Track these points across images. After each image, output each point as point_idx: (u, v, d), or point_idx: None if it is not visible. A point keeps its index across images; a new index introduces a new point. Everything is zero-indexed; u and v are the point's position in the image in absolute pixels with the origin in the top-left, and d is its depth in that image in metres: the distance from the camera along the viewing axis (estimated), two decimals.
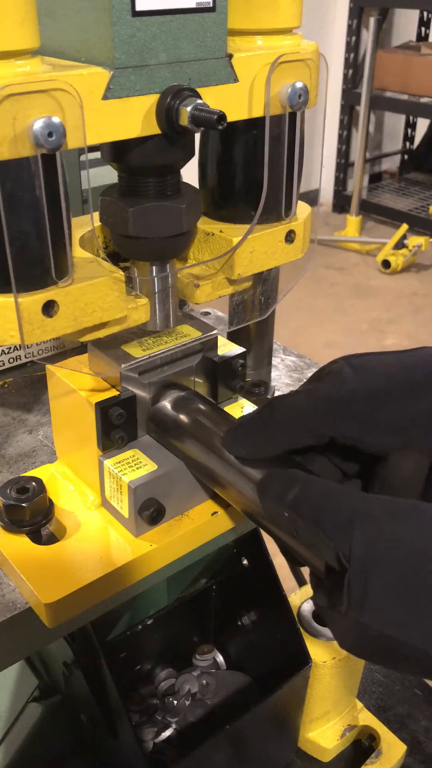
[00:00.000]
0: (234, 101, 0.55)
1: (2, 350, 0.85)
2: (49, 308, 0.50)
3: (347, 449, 0.50)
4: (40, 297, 0.49)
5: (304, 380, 0.89)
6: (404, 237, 3.70)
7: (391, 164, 4.97)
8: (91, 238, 0.61)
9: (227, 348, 0.67)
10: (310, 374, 0.90)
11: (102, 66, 0.48)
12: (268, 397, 0.79)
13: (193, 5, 0.50)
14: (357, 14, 4.05)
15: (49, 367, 0.64)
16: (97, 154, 0.57)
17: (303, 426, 0.49)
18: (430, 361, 0.48)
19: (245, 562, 0.89)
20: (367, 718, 0.99)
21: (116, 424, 0.60)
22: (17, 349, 0.86)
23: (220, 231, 0.63)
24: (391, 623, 0.39)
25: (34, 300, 0.49)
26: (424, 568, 0.38)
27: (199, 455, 0.57)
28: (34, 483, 0.61)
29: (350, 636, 0.42)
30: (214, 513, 0.62)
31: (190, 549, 0.62)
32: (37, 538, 0.60)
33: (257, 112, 0.56)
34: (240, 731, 0.81)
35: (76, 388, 0.61)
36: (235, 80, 0.54)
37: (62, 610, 0.55)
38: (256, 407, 0.68)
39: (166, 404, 0.62)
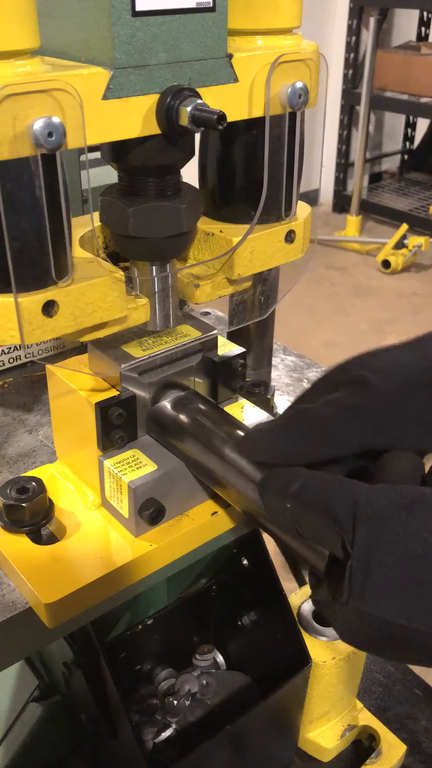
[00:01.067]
0: (234, 101, 0.55)
1: (2, 350, 0.85)
2: (49, 308, 0.50)
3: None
4: (40, 297, 0.49)
5: (304, 380, 0.89)
6: (404, 237, 3.70)
7: (391, 164, 4.97)
8: (91, 238, 0.61)
9: (227, 348, 0.67)
10: (310, 374, 0.90)
11: (102, 66, 0.48)
12: (268, 397, 0.79)
13: (193, 5, 0.50)
14: (357, 14, 4.05)
15: (49, 367, 0.64)
16: (97, 154, 0.57)
17: (332, 438, 0.48)
18: None
19: (245, 562, 0.89)
20: (367, 718, 0.99)
21: (116, 424, 0.60)
22: (17, 349, 0.86)
23: (220, 231, 0.63)
24: (392, 609, 0.39)
25: (34, 300, 0.49)
26: (426, 554, 0.38)
27: (199, 455, 0.57)
28: (34, 483, 0.61)
29: (351, 627, 0.42)
30: (214, 513, 0.62)
31: (190, 549, 0.62)
32: (37, 538, 0.60)
33: (257, 112, 0.56)
34: (240, 731, 0.81)
35: (76, 388, 0.61)
36: (235, 80, 0.54)
37: (62, 610, 0.55)
38: (256, 407, 0.68)
39: (166, 404, 0.62)
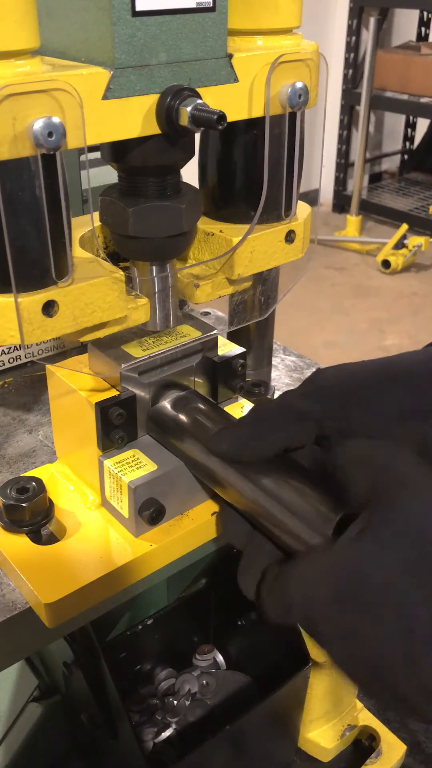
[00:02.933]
0: (234, 101, 0.55)
1: (2, 350, 0.85)
2: (49, 308, 0.50)
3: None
4: (40, 297, 0.49)
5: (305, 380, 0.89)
6: (404, 237, 3.70)
7: (391, 164, 4.97)
8: (91, 238, 0.61)
9: (227, 348, 0.67)
10: (310, 374, 0.90)
11: (102, 66, 0.48)
12: (268, 397, 0.79)
13: (193, 5, 0.50)
14: (357, 14, 4.05)
15: (49, 367, 0.64)
16: (97, 154, 0.57)
17: (290, 415, 0.50)
18: (403, 362, 0.51)
19: None
20: (367, 718, 0.99)
21: (116, 424, 0.60)
22: (17, 349, 0.86)
23: (220, 231, 0.63)
24: (340, 661, 0.40)
25: (34, 300, 0.49)
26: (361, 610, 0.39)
27: (199, 455, 0.57)
28: (34, 483, 0.61)
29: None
30: (214, 513, 0.62)
31: (190, 549, 0.62)
32: (37, 538, 0.60)
33: (257, 112, 0.56)
34: (240, 731, 0.81)
35: (76, 388, 0.61)
36: (235, 80, 0.54)
37: (62, 610, 0.55)
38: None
39: (166, 404, 0.62)
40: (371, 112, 4.15)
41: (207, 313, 1.03)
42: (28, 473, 0.65)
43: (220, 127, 0.49)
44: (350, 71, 4.17)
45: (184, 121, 0.50)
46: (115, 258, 0.64)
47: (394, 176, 4.93)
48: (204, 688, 0.92)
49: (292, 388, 0.87)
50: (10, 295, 0.48)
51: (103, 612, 0.60)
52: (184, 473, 0.60)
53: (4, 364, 0.86)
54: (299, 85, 0.56)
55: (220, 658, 0.97)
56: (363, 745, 0.98)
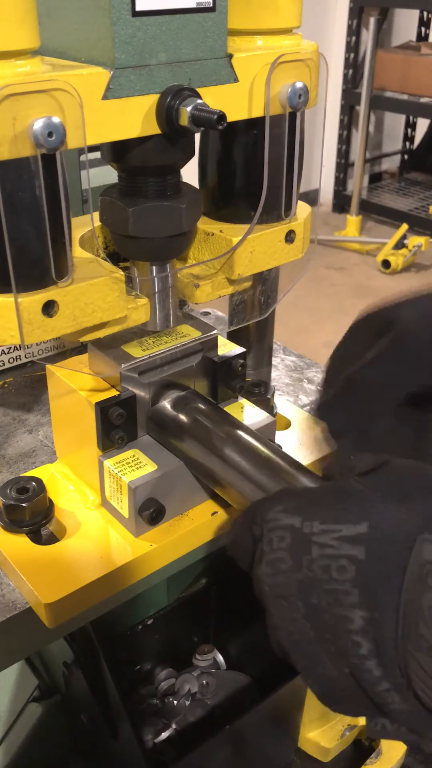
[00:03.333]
0: (234, 101, 0.55)
1: (2, 350, 0.85)
2: (49, 308, 0.50)
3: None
4: (40, 297, 0.49)
5: (304, 380, 0.89)
6: (404, 237, 3.70)
7: (391, 164, 4.97)
8: (91, 238, 0.61)
9: (227, 348, 0.67)
10: (310, 374, 0.90)
11: (102, 66, 0.48)
12: (268, 397, 0.79)
13: (193, 5, 0.50)
14: (357, 14, 4.05)
15: (49, 367, 0.64)
16: (97, 154, 0.57)
17: (381, 397, 0.51)
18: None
19: None
20: None
21: (116, 424, 0.60)
22: (17, 349, 0.86)
23: (220, 231, 0.63)
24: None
25: (34, 300, 0.49)
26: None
27: (199, 455, 0.57)
28: (34, 483, 0.61)
29: None
30: (214, 513, 0.62)
31: (190, 549, 0.62)
32: (37, 538, 0.60)
33: (257, 112, 0.56)
34: (240, 731, 0.81)
35: (76, 388, 0.61)
36: (235, 80, 0.54)
37: (62, 610, 0.55)
38: (256, 407, 0.68)
39: (166, 404, 0.62)
40: (371, 112, 4.15)
41: (207, 313, 1.03)
42: (28, 473, 0.65)
43: (220, 127, 0.49)
44: (350, 71, 4.17)
45: (184, 121, 0.50)
46: (115, 258, 0.64)
47: (394, 176, 4.93)
48: (204, 688, 0.92)
49: (292, 388, 0.87)
50: (10, 295, 0.48)
51: (103, 612, 0.60)
52: (184, 473, 0.60)
53: (4, 364, 0.86)
54: (299, 85, 0.56)
55: (220, 658, 0.97)
56: (363, 745, 0.98)
